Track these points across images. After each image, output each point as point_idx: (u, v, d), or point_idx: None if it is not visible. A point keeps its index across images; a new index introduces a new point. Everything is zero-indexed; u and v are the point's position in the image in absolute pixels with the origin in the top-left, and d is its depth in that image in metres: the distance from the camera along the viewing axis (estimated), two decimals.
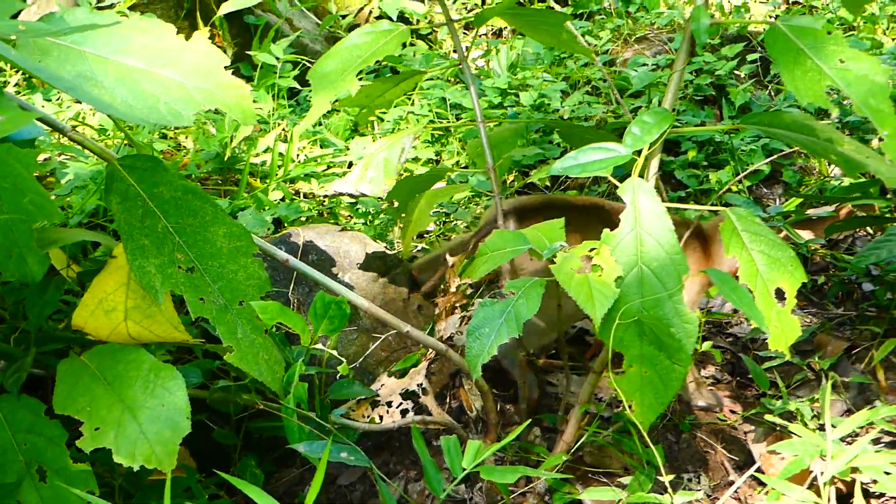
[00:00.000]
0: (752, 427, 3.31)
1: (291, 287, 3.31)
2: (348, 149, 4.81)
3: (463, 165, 4.68)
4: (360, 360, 3.24)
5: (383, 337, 3.30)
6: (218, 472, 2.25)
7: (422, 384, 3.09)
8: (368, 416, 3.03)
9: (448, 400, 3.21)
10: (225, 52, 5.49)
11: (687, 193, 4.52)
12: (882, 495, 3.04)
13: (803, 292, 4.24)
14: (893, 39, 5.98)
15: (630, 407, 2.42)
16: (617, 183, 2.46)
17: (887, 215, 3.96)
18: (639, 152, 2.44)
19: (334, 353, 2.78)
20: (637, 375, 2.40)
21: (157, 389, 2.17)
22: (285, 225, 3.99)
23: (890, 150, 2.27)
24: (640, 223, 2.39)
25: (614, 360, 2.44)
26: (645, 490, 2.72)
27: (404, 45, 5.90)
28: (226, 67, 2.29)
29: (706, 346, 3.27)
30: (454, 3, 6.64)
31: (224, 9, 3.03)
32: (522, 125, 3.41)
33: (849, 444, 2.82)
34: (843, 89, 2.29)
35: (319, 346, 2.71)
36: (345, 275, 3.39)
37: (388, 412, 3.04)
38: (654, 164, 2.57)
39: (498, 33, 6.61)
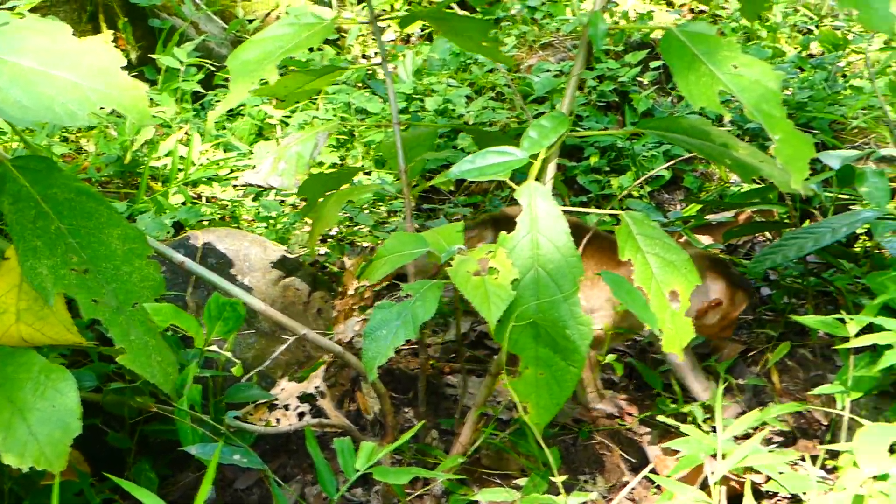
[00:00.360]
0: (648, 429, 3.35)
1: (190, 290, 3.29)
2: (252, 153, 4.79)
3: (366, 171, 4.68)
4: (260, 364, 3.22)
5: (290, 341, 3.29)
6: (110, 477, 2.23)
7: (319, 387, 3.09)
8: (265, 420, 3.02)
9: (347, 403, 3.21)
10: (128, 55, 5.43)
11: (589, 198, 4.57)
12: (775, 494, 3.11)
13: None
14: (795, 48, 6.09)
15: (525, 408, 2.44)
16: (514, 186, 2.48)
17: (786, 220, 4.04)
18: (536, 156, 2.46)
19: (229, 355, 2.77)
20: (532, 377, 2.42)
21: (47, 391, 2.14)
22: (186, 228, 3.96)
23: (781, 154, 2.31)
24: (536, 226, 2.41)
25: (511, 362, 2.46)
26: (540, 491, 2.73)
27: (311, 50, 5.88)
28: (129, 71, 2.27)
29: (610, 358, 3.30)
30: (363, 8, 6.64)
31: None
32: (435, 129, 3.42)
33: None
34: (736, 94, 2.33)
35: (215, 348, 2.69)
36: (244, 277, 3.38)
37: (285, 415, 3.04)
38: (552, 168, 2.59)
39: (406, 39, 6.62)
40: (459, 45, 3.14)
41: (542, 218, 2.41)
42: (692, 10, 6.88)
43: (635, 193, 4.65)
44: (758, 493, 3.06)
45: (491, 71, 5.47)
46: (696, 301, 3.28)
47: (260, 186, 4.42)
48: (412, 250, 2.54)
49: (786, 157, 2.29)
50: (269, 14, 6.36)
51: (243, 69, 2.67)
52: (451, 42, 3.15)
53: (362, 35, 6.41)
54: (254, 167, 4.66)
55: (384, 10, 6.39)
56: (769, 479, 2.81)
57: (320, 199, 3.16)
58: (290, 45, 2.76)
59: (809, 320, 2.91)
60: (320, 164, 4.66)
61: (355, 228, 4.26)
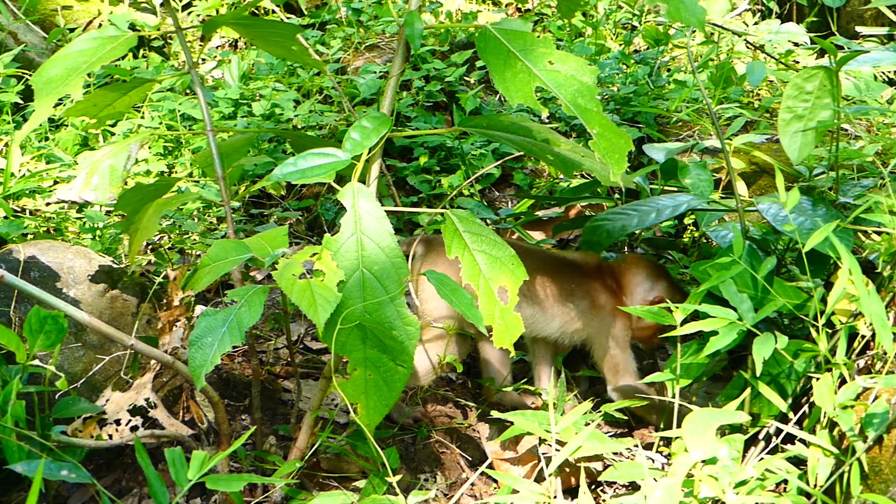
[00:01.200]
0: (486, 425, 3.38)
1: (13, 305, 3.20)
2: (76, 163, 4.67)
3: (195, 179, 4.62)
4: (87, 376, 3.16)
5: (128, 350, 3.23)
6: None
7: (149, 398, 3.03)
8: (96, 434, 2.96)
9: (182, 413, 3.16)
10: None
11: (420, 198, 4.58)
12: (613, 484, 3.16)
13: None
14: (620, 44, 6.20)
15: (356, 409, 2.44)
16: (338, 188, 2.47)
17: None
18: (359, 157, 2.46)
19: (52, 369, 2.70)
20: (361, 378, 2.42)
21: None
22: (8, 242, 3.85)
23: (599, 148, 2.35)
24: (360, 227, 2.41)
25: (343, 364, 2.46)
26: (380, 492, 2.73)
27: (136, 56, 5.78)
28: None
29: (450, 358, 3.31)
30: (189, 14, 6.55)
31: None
32: (253, 135, 3.39)
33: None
34: (553, 90, 2.37)
35: (38, 362, 2.62)
36: (70, 290, 3.30)
37: (117, 429, 2.97)
38: (375, 169, 2.59)
39: (234, 44, 6.55)
40: (268, 50, 3.12)
41: (365, 219, 2.41)
42: (519, 10, 6.95)
43: (466, 192, 4.67)
44: (597, 485, 3.11)
45: (318, 74, 5.44)
46: (640, 299, 3.34)
47: (75, 202, 4.32)
48: (235, 257, 2.52)
49: (603, 151, 2.33)
50: (90, 22, 6.23)
51: (47, 87, 2.63)
52: (260, 48, 3.11)
53: (190, 41, 6.32)
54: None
55: (209, 16, 6.31)
56: (605, 468, 2.86)
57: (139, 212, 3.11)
58: (94, 60, 2.72)
59: (637, 310, 2.97)
60: (147, 172, 4.58)
61: (184, 237, 4.19)
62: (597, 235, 3.47)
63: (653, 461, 3.05)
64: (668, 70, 5.87)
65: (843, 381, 2.49)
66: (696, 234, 4.29)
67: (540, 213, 4.43)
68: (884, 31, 6.11)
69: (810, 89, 3.26)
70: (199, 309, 3.41)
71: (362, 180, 2.51)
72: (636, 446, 2.90)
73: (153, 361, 3.14)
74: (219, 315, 2.38)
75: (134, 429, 2.98)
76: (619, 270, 3.44)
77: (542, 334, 3.36)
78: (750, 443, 2.70)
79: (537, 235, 4.41)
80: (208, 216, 4.43)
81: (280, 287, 2.36)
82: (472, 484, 3.08)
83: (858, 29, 6.15)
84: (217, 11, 6.37)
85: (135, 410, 3.03)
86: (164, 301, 3.19)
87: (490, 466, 3.04)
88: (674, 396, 2.86)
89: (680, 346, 2.91)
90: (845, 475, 2.32)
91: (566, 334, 3.37)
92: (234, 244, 2.57)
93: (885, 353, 2.42)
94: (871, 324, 2.41)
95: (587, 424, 2.73)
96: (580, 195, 4.14)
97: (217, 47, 6.41)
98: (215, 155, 2.96)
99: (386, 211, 2.48)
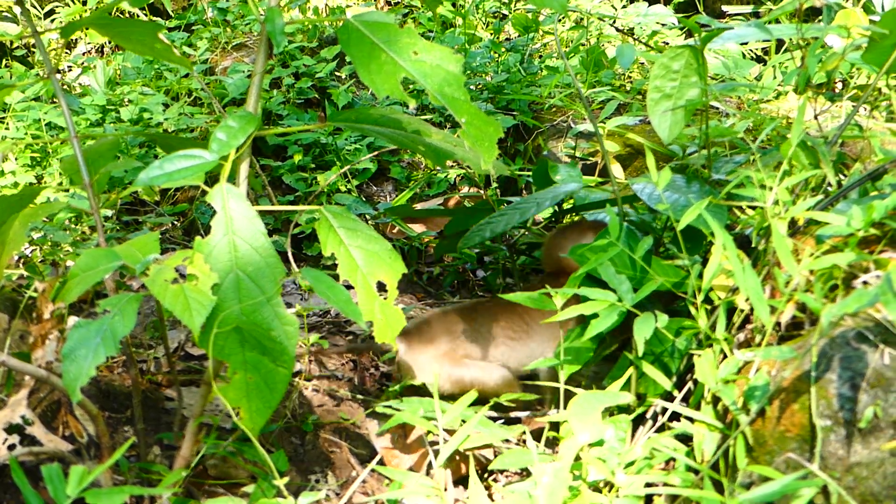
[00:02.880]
0: (375, 421, 3.36)
1: None
2: None
3: (66, 188, 4.52)
4: None
5: (0, 368, 3.15)
6: None
7: (25, 415, 2.95)
8: None
9: (61, 428, 3.09)
10: None
11: (296, 197, 4.55)
12: (504, 471, 3.16)
13: (420, 284, 4.36)
14: (490, 33, 6.23)
15: (238, 414, 2.40)
16: (208, 189, 2.43)
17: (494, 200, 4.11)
18: (227, 157, 2.42)
19: None
20: (242, 382, 2.39)
21: None
22: None
23: (469, 137, 2.34)
24: (232, 228, 2.38)
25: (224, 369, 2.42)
26: (269, 496, 2.70)
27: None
28: None
29: (314, 338, 3.29)
30: (52, 21, 6.42)
31: None
32: (119, 138, 3.31)
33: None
34: (419, 80, 2.35)
35: None
36: None
37: None
38: (244, 168, 2.55)
39: (100, 50, 6.44)
40: (131, 49, 3.05)
41: (237, 220, 2.38)
42: (389, 2, 6.94)
43: (342, 188, 4.65)
44: (489, 474, 3.11)
45: (186, 76, 5.37)
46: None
47: None
48: (105, 266, 2.45)
49: (473, 139, 2.32)
50: None
51: None
52: (123, 47, 3.05)
53: (55, 49, 6.20)
54: None
55: (71, 21, 6.20)
56: (496, 456, 2.86)
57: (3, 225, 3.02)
58: None
59: (518, 297, 2.97)
60: (15, 184, 4.48)
61: (56, 248, 4.11)
62: (479, 239, 3.47)
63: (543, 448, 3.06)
64: (540, 56, 5.91)
65: (725, 357, 2.51)
66: (576, 219, 4.32)
67: (419, 206, 4.43)
68: (749, 9, 6.24)
69: (677, 68, 3.29)
70: (72, 320, 3.33)
71: (232, 181, 2.47)
72: (524, 433, 2.90)
73: (28, 377, 3.06)
74: (92, 326, 2.32)
75: (11, 447, 2.90)
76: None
77: None
78: (638, 423, 2.72)
79: (418, 228, 4.41)
80: (80, 226, 4.34)
81: (152, 293, 2.31)
82: (364, 481, 3.06)
83: (725, 8, 6.28)
84: (80, 16, 6.26)
85: (11, 429, 2.95)
86: (35, 315, 3.11)
87: (380, 462, 3.03)
88: (564, 382, 2.87)
89: (562, 332, 2.92)
90: (731, 449, 2.35)
91: None
92: (103, 252, 2.50)
93: (763, 327, 2.45)
94: (748, 298, 2.44)
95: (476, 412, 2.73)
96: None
97: (83, 54, 6.30)
98: (81, 161, 2.89)
99: (260, 210, 2.45)
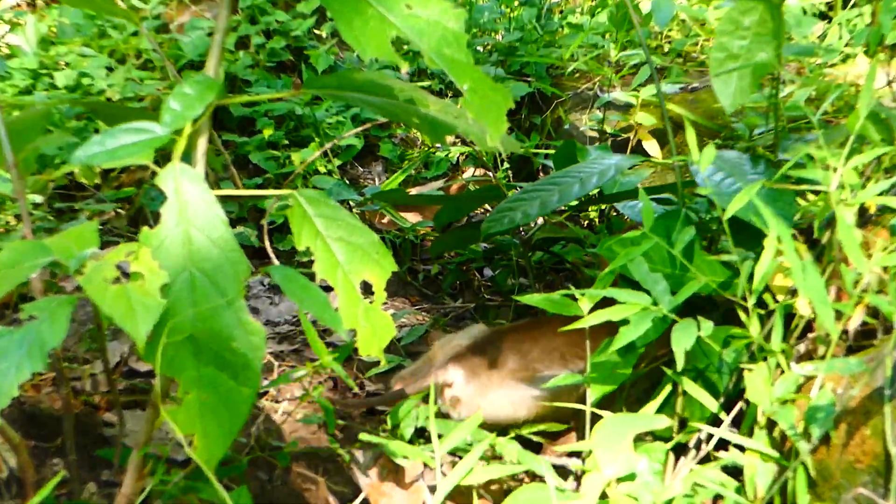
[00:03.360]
0: (360, 451, 3.35)
1: None
2: None
3: None
4: None
5: None
6: None
7: None
8: None
9: None
10: None
11: (266, 180, 4.54)
12: None
13: (415, 285, 4.35)
14: None
15: (192, 443, 2.40)
16: (158, 170, 2.42)
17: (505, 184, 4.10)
18: (182, 132, 2.41)
19: None
20: (195, 403, 2.37)
21: None
22: None
23: (472, 107, 2.32)
24: (186, 217, 2.36)
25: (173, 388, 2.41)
26: None
27: None
28: None
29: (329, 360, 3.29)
30: None
31: None
32: (50, 109, 3.30)
33: (459, 458, 2.91)
34: (413, 39, 2.34)
35: None
36: None
37: None
38: (202, 145, 2.54)
39: (32, 4, 6.44)
40: (68, 3, 3.04)
41: (192, 206, 2.37)
42: None
43: (322, 169, 4.64)
44: None
45: (134, 34, 5.36)
46: None
47: None
48: (31, 263, 2.44)
49: (477, 110, 2.30)
50: None
51: None
52: (60, 0, 3.04)
53: None
54: None
55: None
56: (506, 495, 2.85)
57: None
58: None
59: (535, 299, 2.92)
60: None
61: None
62: (499, 228, 3.41)
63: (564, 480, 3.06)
64: (561, 12, 5.89)
65: (782, 372, 2.50)
66: (603, 207, 4.29)
67: (414, 191, 4.42)
68: None
69: (748, 24, 3.26)
70: None
71: (187, 160, 2.46)
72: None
73: None
74: (14, 335, 2.31)
75: None
76: None
77: None
78: (678, 453, 2.71)
79: (413, 217, 4.41)
80: (2, 215, 4.34)
81: (88, 295, 2.30)
82: None
83: None
84: None
85: None
86: None
87: (365, 501, 3.02)
88: (593, 404, 2.86)
89: (588, 343, 2.90)
90: (789, 483, 2.34)
91: None
92: (30, 246, 2.49)
93: (828, 336, 2.44)
94: (809, 301, 2.42)
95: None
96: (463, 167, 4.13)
97: (12, 7, 6.29)
98: (3, 136, 2.87)
99: (221, 196, 2.43)
